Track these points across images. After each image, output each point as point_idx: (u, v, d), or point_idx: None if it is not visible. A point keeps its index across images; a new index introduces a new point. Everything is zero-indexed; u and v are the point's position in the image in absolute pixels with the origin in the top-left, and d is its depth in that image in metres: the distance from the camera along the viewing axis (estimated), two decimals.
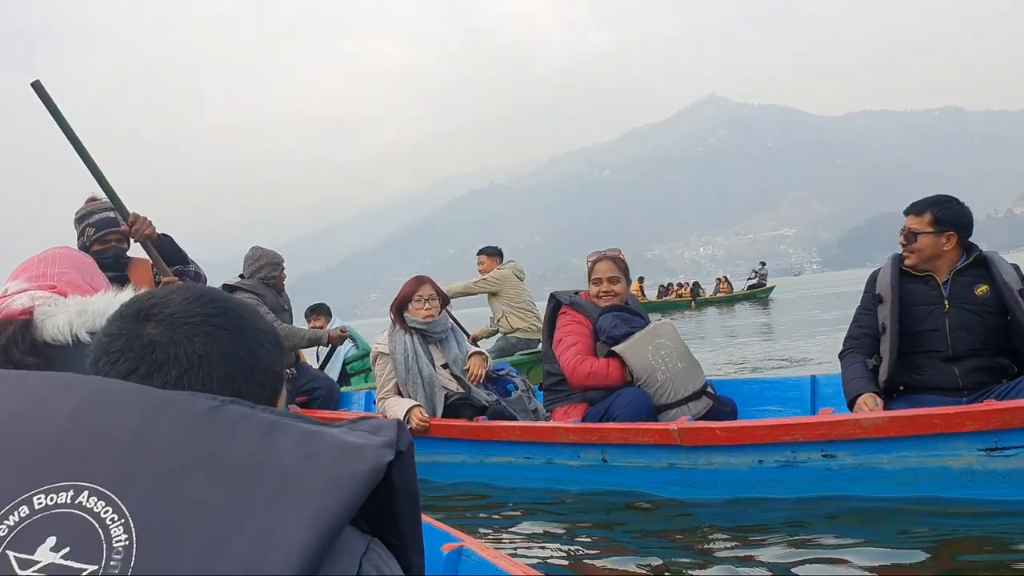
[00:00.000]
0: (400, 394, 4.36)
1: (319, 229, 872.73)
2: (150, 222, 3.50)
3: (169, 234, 3.69)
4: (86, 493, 0.73)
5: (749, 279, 33.32)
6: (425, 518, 2.01)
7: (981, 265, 3.33)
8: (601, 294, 4.15)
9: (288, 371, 5.54)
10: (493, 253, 7.70)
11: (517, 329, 7.11)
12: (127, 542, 0.70)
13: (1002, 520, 2.69)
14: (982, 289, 3.27)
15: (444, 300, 4.59)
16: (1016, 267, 3.33)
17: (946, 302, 3.30)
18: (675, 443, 3.30)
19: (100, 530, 0.71)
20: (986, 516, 2.74)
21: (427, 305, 4.41)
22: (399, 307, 4.49)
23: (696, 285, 33.02)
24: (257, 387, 0.93)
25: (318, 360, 7.06)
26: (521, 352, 6.96)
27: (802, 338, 12.42)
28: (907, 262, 3.39)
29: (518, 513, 3.57)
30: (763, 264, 33.00)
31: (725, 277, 34.67)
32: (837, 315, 18.70)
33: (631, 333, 3.92)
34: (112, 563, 0.70)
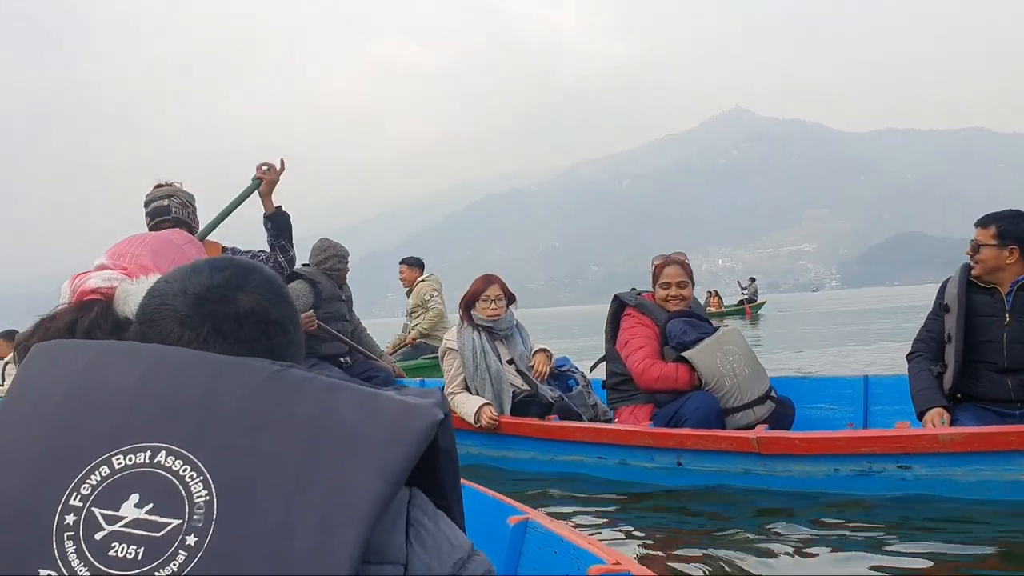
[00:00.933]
0: (468, 390, 4.49)
1: (339, 226, 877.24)
2: (275, 170, 3.81)
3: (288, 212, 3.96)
4: (164, 453, 0.78)
5: (741, 295, 32.67)
6: (491, 492, 2.17)
7: None
8: (670, 298, 4.27)
9: (343, 360, 5.72)
10: (414, 264, 8.05)
11: (427, 336, 7.60)
12: (208, 497, 0.75)
13: None
14: None
15: (510, 298, 4.72)
16: None
17: (1007, 315, 3.42)
18: (753, 450, 3.44)
19: (180, 487, 0.76)
20: None
21: (494, 304, 4.57)
22: (467, 304, 4.63)
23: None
24: (298, 352, 1.01)
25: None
26: (425, 356, 7.43)
27: (783, 351, 13.10)
28: (974, 272, 3.53)
29: (589, 505, 3.69)
30: (752, 280, 32.80)
31: (715, 292, 34.28)
32: (833, 331, 18.61)
33: (700, 339, 4.04)
34: (195, 517, 0.75)
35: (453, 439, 0.89)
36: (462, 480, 1.66)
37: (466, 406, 4.35)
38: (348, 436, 0.80)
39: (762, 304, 31.20)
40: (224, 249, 4.07)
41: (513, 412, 4.39)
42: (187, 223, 3.78)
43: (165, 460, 0.77)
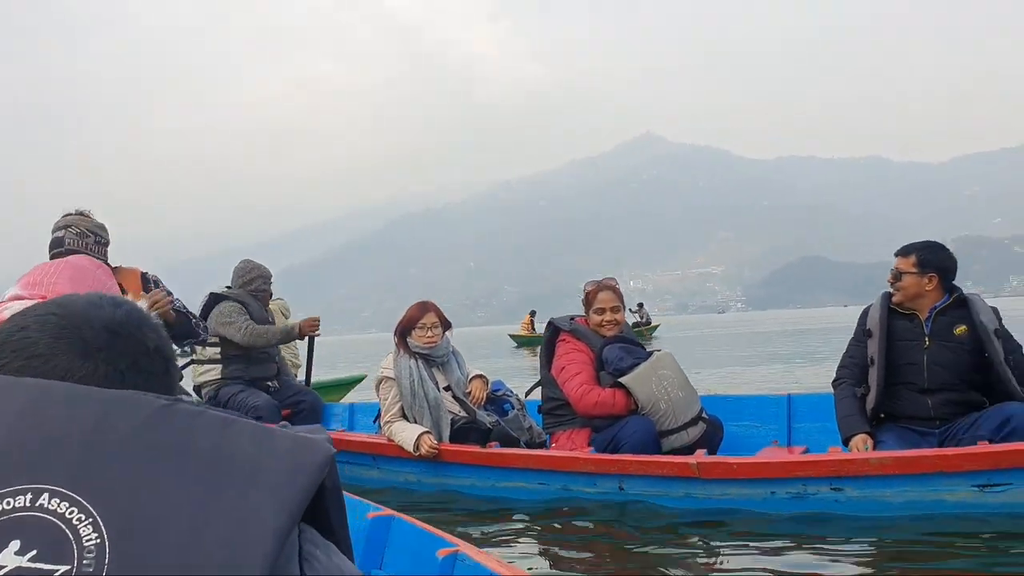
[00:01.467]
0: (405, 418, 4.46)
1: (258, 241, 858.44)
2: (166, 301, 3.81)
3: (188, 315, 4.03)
4: (46, 495, 0.72)
5: (633, 319, 33.57)
6: (420, 523, 2.13)
7: (962, 306, 3.67)
8: (604, 323, 4.35)
9: (270, 383, 5.65)
10: None
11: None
12: (98, 540, 0.70)
13: (992, 543, 2.99)
14: (960, 329, 3.61)
15: (446, 325, 4.70)
16: (995, 309, 3.68)
17: (926, 339, 3.64)
18: (693, 475, 3.55)
19: (67, 530, 0.70)
20: (976, 540, 3.04)
21: (430, 332, 4.55)
22: (403, 332, 4.60)
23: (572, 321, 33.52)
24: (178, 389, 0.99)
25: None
26: None
27: None
28: (893, 299, 3.74)
29: (531, 530, 3.72)
30: (640, 305, 33.24)
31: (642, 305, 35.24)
32: (727, 353, 19.50)
33: (636, 364, 4.13)
34: (86, 562, 0.69)
35: (338, 476, 0.86)
36: (392, 512, 1.81)
37: (404, 435, 4.33)
38: (246, 470, 0.77)
39: (655, 327, 31.97)
40: (144, 275, 3.98)
41: (451, 439, 4.39)
42: (83, 255, 3.66)
43: (48, 503, 0.71)
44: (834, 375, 3.92)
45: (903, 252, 3.77)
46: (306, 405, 5.68)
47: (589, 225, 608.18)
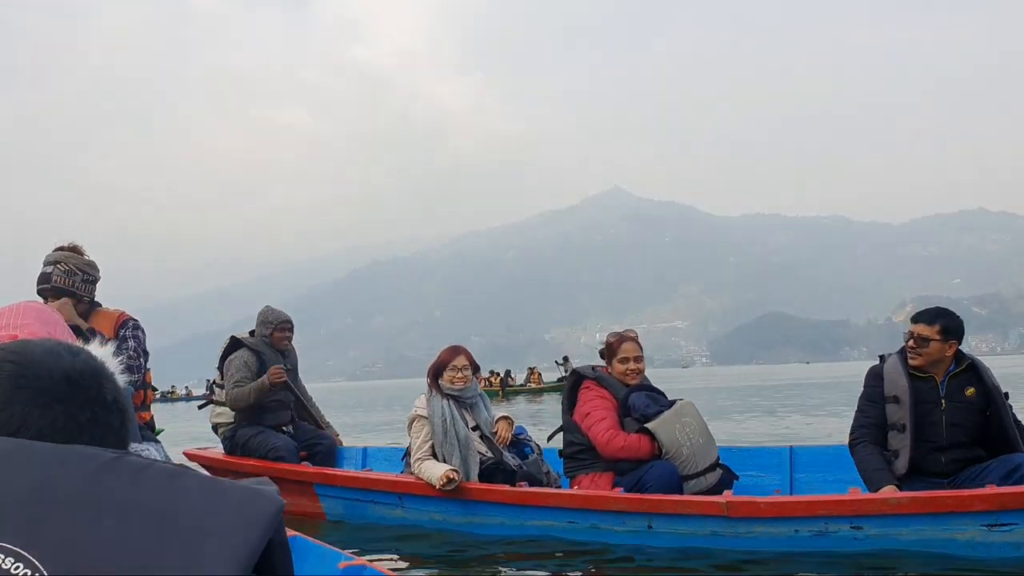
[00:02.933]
0: (435, 456, 4.67)
1: (219, 288, 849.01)
2: None
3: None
4: None
5: (559, 372, 33.37)
6: (392, 574, 2.14)
7: (970, 370, 4.00)
8: (629, 371, 4.60)
9: (285, 428, 5.78)
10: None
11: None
12: None
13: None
14: (970, 391, 3.93)
15: (475, 367, 4.95)
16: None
17: (943, 401, 3.94)
18: (722, 514, 3.79)
19: None
20: (986, 572, 3.33)
21: (459, 375, 4.81)
22: (435, 374, 4.86)
23: (507, 374, 33.91)
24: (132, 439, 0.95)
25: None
26: None
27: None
28: (914, 363, 3.99)
29: (563, 567, 3.93)
30: (566, 358, 33.73)
31: (535, 368, 34.98)
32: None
33: (661, 411, 4.38)
34: None
35: (285, 530, 0.85)
36: (363, 561, 1.81)
37: (433, 471, 4.52)
38: (195, 524, 0.76)
39: None
40: (123, 321, 3.92)
41: (479, 479, 4.60)
42: (70, 292, 3.65)
43: None
44: (850, 435, 4.13)
45: (926, 319, 4.01)
46: (322, 448, 5.85)
47: (556, 277, 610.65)
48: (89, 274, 3.84)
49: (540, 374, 34.41)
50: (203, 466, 6.19)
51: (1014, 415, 3.95)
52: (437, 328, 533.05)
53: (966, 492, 3.51)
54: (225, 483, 0.82)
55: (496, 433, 4.88)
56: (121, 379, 0.96)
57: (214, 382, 5.96)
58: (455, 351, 4.94)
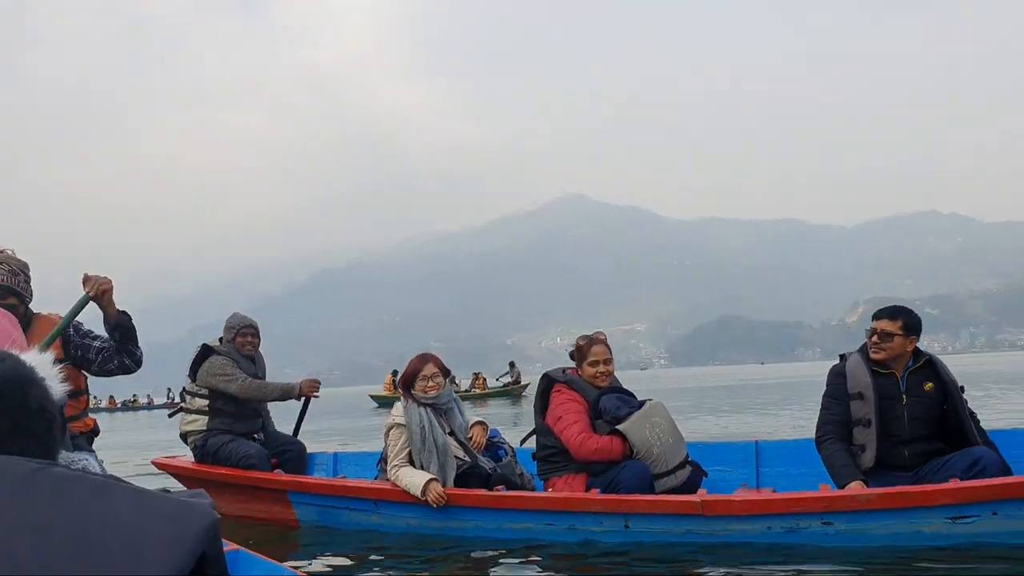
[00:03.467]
0: (412, 463, 4.72)
1: (173, 295, 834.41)
2: (105, 282, 3.71)
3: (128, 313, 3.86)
4: None
5: (504, 376, 33.29)
6: (265, 557, 2.12)
7: (928, 366, 4.17)
8: (599, 374, 4.69)
9: (256, 436, 5.78)
10: None
11: None
12: None
13: (962, 569, 3.44)
14: (929, 386, 4.10)
15: (446, 373, 5.00)
16: None
17: (904, 396, 4.09)
18: (697, 512, 3.91)
19: None
20: (948, 566, 3.47)
21: (431, 383, 4.85)
22: (406, 384, 4.91)
23: (452, 379, 33.17)
24: (62, 447, 0.90)
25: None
26: None
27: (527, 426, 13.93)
28: (876, 357, 4.15)
29: (542, 567, 3.99)
30: (512, 364, 33.74)
31: (480, 373, 34.74)
32: None
33: (631, 412, 4.48)
34: None
35: (221, 544, 0.81)
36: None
37: (413, 479, 4.57)
38: (124, 538, 0.73)
39: (526, 386, 31.86)
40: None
41: (455, 484, 4.66)
42: (16, 292, 3.66)
43: None
44: (817, 432, 4.25)
45: (889, 316, 4.18)
46: (293, 454, 5.87)
47: (516, 282, 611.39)
48: (27, 275, 3.83)
49: (485, 379, 34.18)
50: (172, 475, 6.14)
51: (969, 408, 4.12)
52: (396, 334, 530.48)
53: (931, 487, 3.65)
54: (155, 496, 0.78)
55: (471, 438, 4.94)
56: (58, 387, 0.92)
57: (185, 390, 5.88)
58: (423, 359, 4.95)
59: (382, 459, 5.03)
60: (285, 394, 5.78)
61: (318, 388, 5.98)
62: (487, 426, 5.10)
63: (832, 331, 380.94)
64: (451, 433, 4.86)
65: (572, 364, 4.87)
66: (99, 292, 3.67)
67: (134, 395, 56.71)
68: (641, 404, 4.61)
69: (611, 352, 4.82)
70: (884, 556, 3.63)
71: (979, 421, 4.18)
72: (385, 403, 28.25)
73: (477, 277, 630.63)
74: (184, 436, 5.86)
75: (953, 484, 3.62)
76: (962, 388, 4.15)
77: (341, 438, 13.67)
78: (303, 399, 6.01)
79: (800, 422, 12.01)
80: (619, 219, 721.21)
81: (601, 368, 4.69)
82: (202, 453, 5.74)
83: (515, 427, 14.31)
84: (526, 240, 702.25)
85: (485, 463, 4.82)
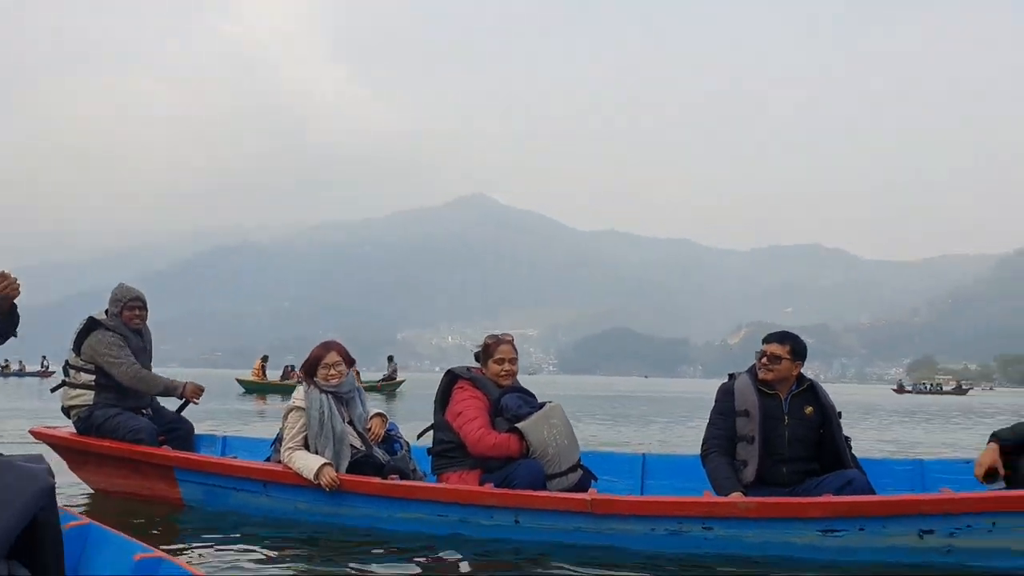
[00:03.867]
0: (307, 448, 4.74)
1: (58, 261, 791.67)
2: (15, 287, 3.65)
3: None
4: None
5: (386, 373, 32.86)
6: (116, 531, 2.08)
7: (810, 390, 4.46)
8: (503, 373, 4.78)
9: (144, 412, 5.66)
10: None
11: None
12: None
13: None
14: (809, 409, 4.38)
15: (350, 362, 5.04)
16: None
17: (786, 417, 4.36)
18: (586, 511, 4.05)
19: None
20: (819, 571, 3.73)
21: (332, 371, 4.90)
22: (308, 371, 4.93)
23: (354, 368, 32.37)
24: None
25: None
26: None
27: (404, 421, 14.16)
28: (765, 377, 4.40)
29: (427, 561, 4.04)
30: (391, 359, 33.70)
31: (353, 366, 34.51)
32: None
33: (532, 412, 4.60)
34: None
35: (56, 510, 0.77)
36: (161, 553, 1.71)
37: (306, 462, 4.59)
38: None
39: (401, 383, 31.95)
40: None
41: (348, 471, 4.67)
42: None
43: None
44: (703, 445, 4.47)
45: (778, 340, 4.44)
46: (181, 433, 5.76)
47: (413, 277, 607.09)
48: None
49: (359, 372, 33.67)
50: (51, 445, 5.89)
51: (844, 434, 4.44)
52: (285, 320, 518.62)
53: (806, 500, 3.91)
54: None
55: (370, 429, 4.99)
56: None
57: (68, 363, 5.66)
58: (327, 347, 4.99)
59: (277, 440, 5.02)
60: (168, 391, 5.62)
61: (200, 395, 5.78)
62: (386, 419, 5.14)
63: (715, 351, 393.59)
64: (350, 422, 4.89)
65: (476, 363, 4.92)
66: (5, 292, 3.62)
67: (5, 360, 53.67)
68: (541, 405, 4.72)
69: (517, 353, 4.91)
70: (758, 563, 3.84)
71: (852, 447, 4.48)
72: (252, 389, 27.45)
73: (374, 269, 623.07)
74: (67, 410, 5.66)
75: (826, 499, 3.87)
76: (840, 414, 4.45)
77: (214, 421, 13.25)
78: (183, 400, 5.86)
79: (675, 437, 12.42)
80: (521, 223, 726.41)
81: (506, 367, 4.78)
82: (86, 425, 5.55)
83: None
84: (427, 236, 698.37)
85: (380, 454, 4.86)
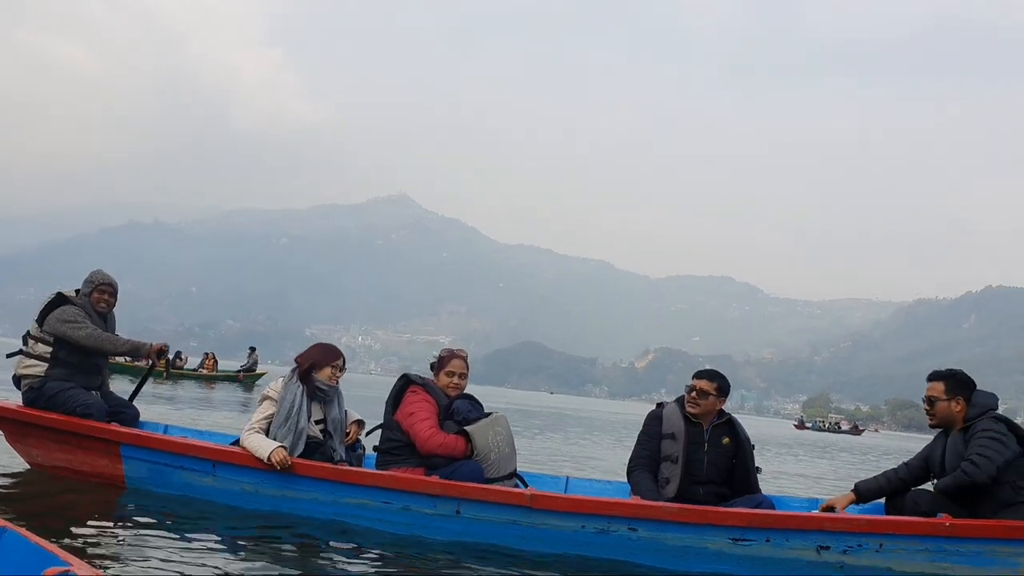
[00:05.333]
0: (267, 434, 5.00)
1: None
2: None
3: None
4: None
5: (246, 364, 32.23)
6: (34, 538, 1.99)
7: (728, 423, 5.04)
8: (452, 385, 5.22)
9: (95, 392, 5.77)
10: None
11: None
12: None
13: None
14: (727, 440, 4.97)
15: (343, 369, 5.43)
16: None
17: (706, 444, 4.93)
18: (525, 504, 4.44)
19: None
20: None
21: (340, 373, 5.35)
22: (311, 367, 5.24)
23: (177, 355, 31.50)
24: None
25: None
26: None
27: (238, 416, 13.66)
28: (692, 411, 4.99)
29: (370, 546, 4.32)
30: (253, 349, 33.28)
31: (212, 354, 33.13)
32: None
33: (480, 418, 5.05)
34: None
35: None
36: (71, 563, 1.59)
37: (261, 443, 4.86)
38: None
39: (261, 375, 31.52)
40: None
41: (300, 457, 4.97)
42: None
43: None
44: (629, 463, 5.02)
45: (708, 377, 5.05)
46: (127, 417, 5.85)
47: (327, 272, 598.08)
48: None
49: (217, 361, 32.75)
50: None
51: (756, 464, 5.06)
52: (190, 304, 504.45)
53: (722, 509, 4.42)
54: None
55: (348, 434, 5.40)
56: None
57: (29, 334, 5.76)
58: (340, 351, 5.46)
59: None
60: (135, 351, 5.76)
61: (165, 354, 5.93)
62: (363, 426, 5.54)
63: (621, 373, 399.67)
64: (320, 421, 5.20)
65: (430, 373, 5.37)
66: None
67: None
68: (489, 414, 5.16)
69: (468, 368, 5.34)
70: (676, 563, 4.33)
71: (760, 476, 5.08)
72: (118, 370, 26.31)
73: (287, 260, 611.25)
74: (18, 379, 5.74)
75: (739, 510, 4.42)
76: (753, 446, 5.06)
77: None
78: (149, 364, 5.99)
79: (585, 452, 12.40)
80: (443, 230, 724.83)
81: (455, 380, 5.22)
82: (35, 396, 5.62)
83: (243, 412, 14.11)
84: (345, 232, 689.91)
85: (340, 451, 5.20)
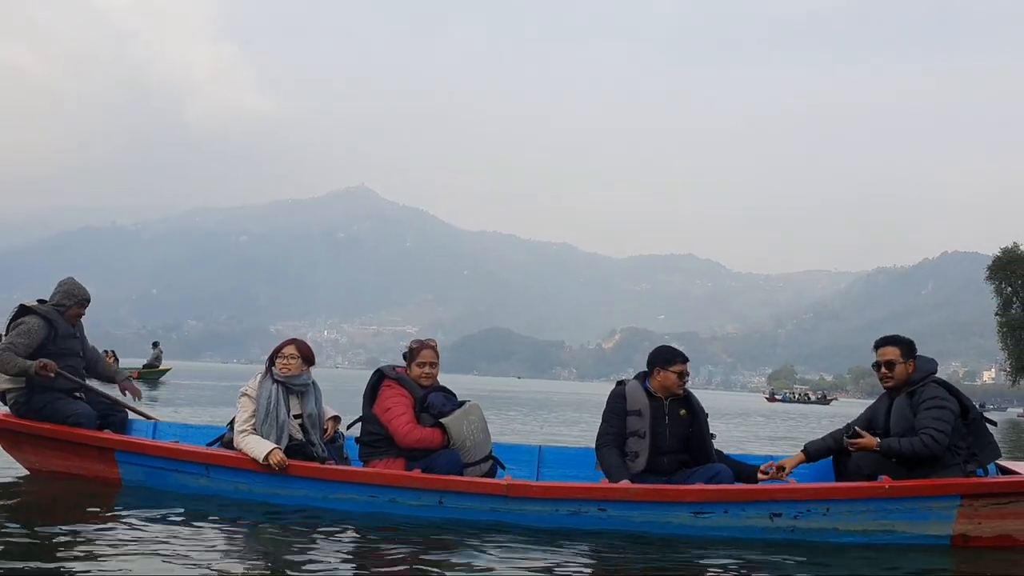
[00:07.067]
0: (256, 434, 5.32)
1: None
2: None
3: None
4: None
5: (148, 360, 31.93)
6: None
7: (685, 397, 5.33)
8: (423, 375, 5.49)
9: (78, 395, 6.01)
10: None
11: None
12: None
13: (694, 551, 4.50)
14: (683, 412, 5.29)
15: (308, 360, 5.65)
16: None
17: (667, 417, 5.23)
18: (502, 493, 4.83)
19: None
20: (687, 550, 4.53)
21: (288, 362, 5.53)
22: (271, 358, 5.56)
23: (110, 352, 29.65)
24: None
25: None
26: None
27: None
28: (654, 385, 5.28)
29: (359, 537, 4.62)
30: (155, 344, 32.77)
31: (112, 351, 33.29)
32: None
33: (454, 410, 5.35)
34: None
35: None
36: None
37: (256, 446, 5.17)
38: None
39: (166, 371, 31.36)
40: None
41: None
42: None
43: None
44: (597, 440, 5.27)
45: (681, 359, 5.30)
46: (115, 420, 6.11)
47: (289, 268, 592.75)
48: None
49: (117, 358, 32.20)
50: None
51: (711, 431, 5.40)
52: (151, 307, 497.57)
53: (682, 487, 4.84)
54: None
55: (326, 429, 5.66)
56: None
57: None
58: (290, 341, 5.68)
59: (231, 424, 5.56)
60: (21, 371, 5.72)
61: (48, 368, 5.73)
62: (338, 422, 5.82)
63: (589, 354, 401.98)
64: (298, 416, 5.47)
65: (402, 363, 5.59)
66: None
67: None
68: (462, 404, 5.46)
69: (438, 358, 5.59)
70: (643, 537, 4.72)
71: (715, 442, 5.41)
72: None
73: (248, 257, 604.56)
74: (2, 394, 5.89)
75: (698, 487, 4.84)
76: (706, 415, 5.38)
77: None
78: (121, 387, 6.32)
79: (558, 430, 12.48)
80: (404, 219, 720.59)
81: (426, 370, 5.48)
82: (25, 410, 5.81)
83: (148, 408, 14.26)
84: (306, 227, 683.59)
85: (320, 449, 5.45)
